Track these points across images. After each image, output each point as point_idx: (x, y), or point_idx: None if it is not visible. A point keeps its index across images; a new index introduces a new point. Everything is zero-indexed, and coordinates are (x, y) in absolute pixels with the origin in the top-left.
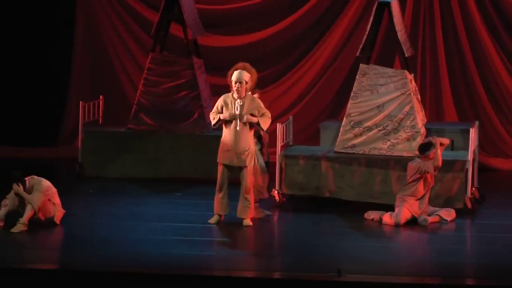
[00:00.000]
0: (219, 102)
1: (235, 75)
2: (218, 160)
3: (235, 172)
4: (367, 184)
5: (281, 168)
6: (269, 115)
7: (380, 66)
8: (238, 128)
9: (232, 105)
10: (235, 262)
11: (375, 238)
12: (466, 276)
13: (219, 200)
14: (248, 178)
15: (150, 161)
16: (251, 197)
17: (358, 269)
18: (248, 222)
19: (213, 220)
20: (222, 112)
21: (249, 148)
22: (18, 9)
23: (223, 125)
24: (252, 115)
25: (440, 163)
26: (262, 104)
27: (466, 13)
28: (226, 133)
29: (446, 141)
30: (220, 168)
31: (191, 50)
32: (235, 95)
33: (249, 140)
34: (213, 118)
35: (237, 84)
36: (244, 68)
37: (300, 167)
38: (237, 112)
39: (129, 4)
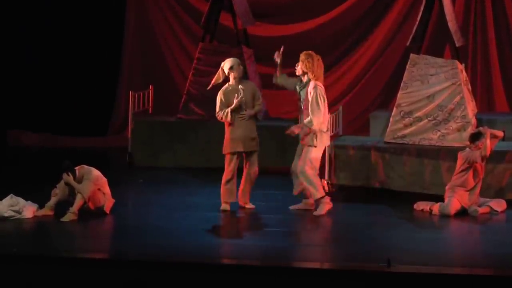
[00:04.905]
0: None
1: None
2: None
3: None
4: (417, 174)
5: (331, 158)
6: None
7: (431, 56)
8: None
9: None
10: (286, 252)
11: (425, 229)
12: None
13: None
14: None
15: (200, 150)
16: None
17: (408, 260)
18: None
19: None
20: None
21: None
22: (69, 0)
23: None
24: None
25: (487, 153)
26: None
27: None
28: None
29: (499, 133)
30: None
31: (241, 40)
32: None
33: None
34: None
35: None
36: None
37: (350, 157)
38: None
39: None
